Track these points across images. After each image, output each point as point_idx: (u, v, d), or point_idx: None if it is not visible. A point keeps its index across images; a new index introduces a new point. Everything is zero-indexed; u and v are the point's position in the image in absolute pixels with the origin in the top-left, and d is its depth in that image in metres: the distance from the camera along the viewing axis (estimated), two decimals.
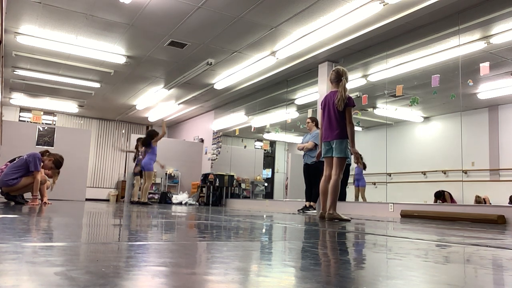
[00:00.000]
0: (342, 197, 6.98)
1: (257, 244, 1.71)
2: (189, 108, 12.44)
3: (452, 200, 8.89)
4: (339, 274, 1.04)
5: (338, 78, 4.47)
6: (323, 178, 4.57)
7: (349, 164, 7.31)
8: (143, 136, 9.38)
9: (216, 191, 11.15)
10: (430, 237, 2.47)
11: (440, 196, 9.01)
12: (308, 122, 7.16)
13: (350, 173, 8.16)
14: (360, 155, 4.59)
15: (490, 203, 8.34)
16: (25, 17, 6.62)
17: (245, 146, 12.65)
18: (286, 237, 2.20)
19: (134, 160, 9.65)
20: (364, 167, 9.10)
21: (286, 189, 11.16)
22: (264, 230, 2.55)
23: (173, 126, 15.44)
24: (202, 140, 13.06)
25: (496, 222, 4.52)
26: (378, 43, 6.78)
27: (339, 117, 4.40)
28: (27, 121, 13.00)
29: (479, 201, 8.46)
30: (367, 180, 9.80)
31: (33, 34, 7.27)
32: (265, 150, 12.93)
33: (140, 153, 9.32)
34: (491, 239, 2.45)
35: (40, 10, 6.35)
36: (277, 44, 7.27)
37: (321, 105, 4.66)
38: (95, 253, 1.24)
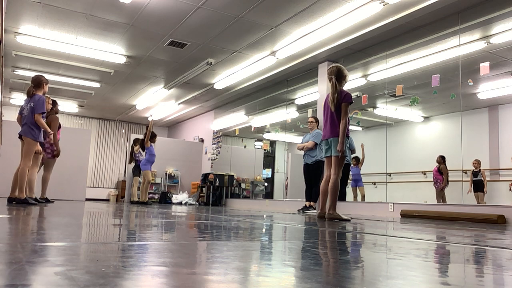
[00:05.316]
0: (342, 197, 6.98)
1: (257, 244, 1.71)
2: (189, 108, 12.44)
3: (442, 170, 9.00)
4: (339, 274, 1.04)
5: (329, 78, 4.48)
6: (324, 178, 4.55)
7: (349, 164, 7.32)
8: (141, 136, 9.56)
9: (216, 191, 11.15)
10: (430, 237, 2.47)
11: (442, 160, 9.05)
12: (312, 122, 7.15)
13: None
14: (344, 151, 4.43)
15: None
16: (25, 17, 6.62)
17: (245, 146, 12.65)
18: (286, 237, 2.20)
19: (130, 162, 9.88)
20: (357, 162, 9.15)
21: (286, 189, 11.16)
22: (264, 230, 2.55)
23: (173, 126, 15.45)
24: (202, 140, 13.06)
25: (496, 222, 4.52)
26: (378, 43, 6.78)
27: (336, 116, 4.39)
28: None
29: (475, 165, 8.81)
30: (367, 180, 9.81)
31: (33, 34, 7.27)
32: (265, 150, 12.93)
33: (136, 154, 9.55)
34: (491, 239, 2.45)
35: (40, 10, 6.35)
36: (277, 44, 7.27)
37: (323, 104, 4.69)
38: (95, 253, 1.24)
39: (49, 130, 5.52)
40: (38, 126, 5.32)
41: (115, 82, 10.12)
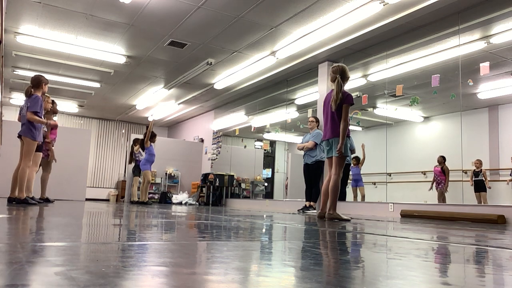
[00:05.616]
0: (342, 197, 6.98)
1: (257, 244, 1.71)
2: (189, 108, 12.44)
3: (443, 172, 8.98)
4: (339, 274, 1.04)
5: (334, 77, 4.48)
6: (326, 179, 4.55)
7: (349, 164, 7.32)
8: (141, 136, 9.58)
9: (216, 191, 11.15)
10: (430, 237, 2.47)
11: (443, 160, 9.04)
12: (312, 121, 7.15)
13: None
14: (343, 152, 4.40)
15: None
16: (25, 17, 6.62)
17: (245, 146, 12.65)
18: (286, 237, 2.20)
19: (130, 162, 9.91)
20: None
21: (286, 189, 11.17)
22: (264, 230, 2.55)
23: (173, 126, 15.45)
24: (202, 140, 13.06)
25: (496, 222, 4.52)
26: (378, 43, 6.78)
27: (337, 116, 4.39)
28: None
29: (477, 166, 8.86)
30: (367, 180, 9.81)
31: (33, 34, 7.27)
32: (265, 150, 12.93)
33: (136, 154, 9.57)
34: (491, 239, 2.45)
35: (40, 10, 6.35)
36: (277, 44, 7.27)
37: (323, 104, 4.69)
38: (95, 253, 1.24)
39: (44, 121, 5.50)
40: (36, 126, 5.30)
41: (115, 82, 10.12)
